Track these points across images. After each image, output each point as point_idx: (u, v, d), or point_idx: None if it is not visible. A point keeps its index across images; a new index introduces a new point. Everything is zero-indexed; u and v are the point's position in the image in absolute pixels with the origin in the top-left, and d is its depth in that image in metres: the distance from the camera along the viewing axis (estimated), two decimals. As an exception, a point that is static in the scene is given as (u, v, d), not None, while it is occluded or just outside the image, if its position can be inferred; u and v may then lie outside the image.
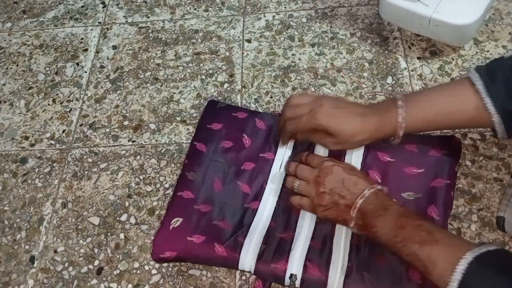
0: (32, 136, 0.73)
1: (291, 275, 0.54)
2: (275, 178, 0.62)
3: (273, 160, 0.64)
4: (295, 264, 0.54)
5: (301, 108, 0.57)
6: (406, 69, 0.72)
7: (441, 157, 0.60)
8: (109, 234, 0.63)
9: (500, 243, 0.57)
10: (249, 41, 0.79)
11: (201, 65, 0.77)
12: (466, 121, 0.53)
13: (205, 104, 0.71)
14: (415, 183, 0.58)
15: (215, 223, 0.59)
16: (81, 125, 0.73)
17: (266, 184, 0.62)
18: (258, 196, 0.61)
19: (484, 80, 0.50)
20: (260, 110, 0.71)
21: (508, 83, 0.49)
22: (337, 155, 0.61)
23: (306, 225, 0.58)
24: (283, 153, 0.64)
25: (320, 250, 0.55)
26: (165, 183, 0.66)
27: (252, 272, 0.55)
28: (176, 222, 0.59)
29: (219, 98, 0.73)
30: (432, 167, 0.59)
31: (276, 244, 0.56)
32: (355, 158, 0.61)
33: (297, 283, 0.54)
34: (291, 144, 0.64)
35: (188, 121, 0.71)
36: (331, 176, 0.54)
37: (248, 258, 0.55)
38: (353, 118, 0.55)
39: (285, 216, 0.59)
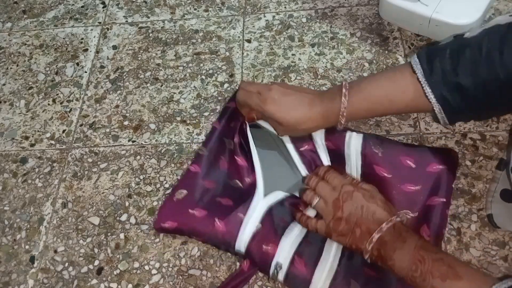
0: (32, 136, 0.73)
1: (277, 263, 0.54)
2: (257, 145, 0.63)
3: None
4: (283, 253, 0.55)
5: (253, 85, 0.59)
6: (406, 69, 0.72)
7: (438, 174, 0.58)
8: (109, 234, 0.63)
9: (500, 243, 0.57)
10: (249, 41, 0.79)
11: (201, 65, 0.77)
12: (407, 107, 0.54)
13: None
14: (411, 200, 0.57)
15: (218, 200, 0.59)
16: (81, 125, 0.73)
17: (251, 154, 0.62)
18: (252, 167, 0.62)
19: (424, 68, 0.50)
20: (260, 110, 0.71)
21: (446, 74, 0.49)
22: (339, 164, 0.61)
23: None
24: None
25: (310, 248, 0.55)
26: (165, 183, 0.66)
27: (244, 251, 0.56)
28: (180, 194, 0.60)
29: (219, 98, 0.73)
30: (428, 185, 0.58)
31: (272, 226, 0.57)
32: (354, 171, 0.60)
33: (281, 275, 0.54)
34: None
35: (188, 121, 0.71)
36: (350, 202, 0.52)
37: (244, 236, 0.56)
38: (300, 107, 0.55)
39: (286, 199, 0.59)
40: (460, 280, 0.43)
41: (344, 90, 0.54)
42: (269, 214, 0.58)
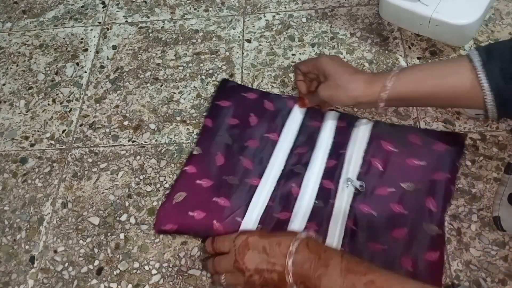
0: (32, 136, 0.73)
1: None
2: (277, 158, 0.63)
3: (277, 141, 0.64)
4: None
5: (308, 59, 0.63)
6: (406, 69, 0.72)
7: (444, 152, 0.60)
8: (109, 234, 0.63)
9: (500, 243, 0.57)
10: (249, 41, 0.79)
11: (201, 65, 0.77)
12: (458, 97, 0.52)
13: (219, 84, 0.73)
14: (416, 174, 0.59)
15: (215, 200, 0.60)
16: (81, 125, 0.73)
17: (268, 163, 0.63)
18: (259, 173, 0.62)
19: (482, 57, 0.50)
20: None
21: (503, 62, 0.48)
22: (342, 144, 0.62)
23: (304, 206, 0.58)
24: (288, 135, 0.65)
25: (315, 232, 0.56)
26: (165, 183, 0.66)
27: None
28: (180, 196, 0.60)
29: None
30: (434, 161, 0.59)
31: (273, 225, 0.57)
32: (358, 145, 0.62)
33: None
34: (296, 127, 0.65)
35: (188, 121, 0.71)
36: (249, 252, 0.48)
37: None
38: (348, 67, 0.58)
39: (284, 196, 0.60)
40: None
41: (395, 69, 0.55)
42: (267, 214, 0.58)
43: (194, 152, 0.65)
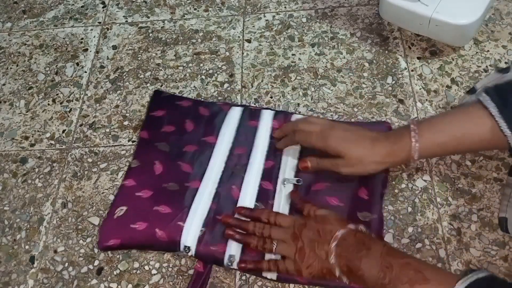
0: (32, 136, 0.73)
1: (230, 256, 0.56)
2: (217, 160, 0.63)
3: (215, 143, 0.65)
4: (234, 245, 0.56)
5: (313, 125, 0.58)
6: (406, 69, 0.72)
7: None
8: (109, 234, 0.63)
9: (500, 243, 0.57)
10: (249, 41, 0.79)
11: (201, 65, 0.77)
12: (481, 144, 0.52)
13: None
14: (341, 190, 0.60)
15: (155, 209, 0.60)
16: (81, 125, 0.73)
17: (208, 165, 0.63)
18: (199, 176, 0.62)
19: (496, 102, 0.49)
20: (260, 110, 0.71)
21: None
22: (270, 173, 0.62)
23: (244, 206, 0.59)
24: (225, 136, 0.65)
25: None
26: (165, 183, 0.66)
27: (193, 254, 0.57)
28: (121, 211, 0.60)
29: (219, 98, 0.73)
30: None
31: (217, 227, 0.58)
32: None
33: (235, 264, 0.56)
34: (233, 128, 0.66)
35: (188, 121, 0.71)
36: (306, 230, 0.53)
37: (188, 241, 0.57)
38: (364, 141, 0.55)
39: (225, 199, 0.60)
40: (428, 283, 0.44)
41: (412, 126, 0.53)
42: (210, 217, 0.59)
43: (132, 166, 0.65)
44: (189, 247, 0.57)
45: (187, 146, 0.65)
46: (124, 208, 0.61)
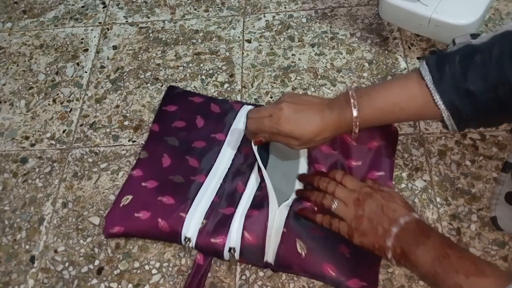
0: (33, 136, 0.73)
1: (230, 248, 0.56)
2: (224, 157, 0.64)
3: (224, 140, 0.65)
4: (233, 238, 0.56)
5: (263, 110, 0.58)
6: (406, 69, 0.72)
7: (377, 149, 0.62)
8: (109, 234, 0.63)
9: (500, 243, 0.57)
10: (249, 41, 0.79)
11: (201, 65, 0.77)
12: (417, 114, 0.54)
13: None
14: (354, 175, 0.60)
15: (159, 199, 0.60)
16: (81, 125, 0.73)
17: (215, 161, 0.63)
18: (205, 171, 0.63)
19: (433, 74, 0.50)
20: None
21: (455, 79, 0.48)
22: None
23: (245, 198, 0.60)
24: (235, 133, 0.66)
25: (256, 217, 0.57)
26: (165, 183, 0.66)
27: (193, 246, 0.57)
28: (126, 199, 0.61)
29: (219, 98, 0.73)
30: (368, 159, 0.62)
31: (218, 219, 0.58)
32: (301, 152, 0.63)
33: (236, 255, 0.56)
34: (243, 126, 0.65)
35: (188, 121, 0.71)
36: (370, 200, 0.53)
37: (189, 232, 0.57)
38: (313, 121, 0.55)
39: (230, 193, 0.61)
40: (485, 278, 0.43)
41: (352, 100, 0.54)
42: (212, 210, 0.59)
43: (141, 156, 0.65)
44: (189, 238, 0.57)
45: (196, 142, 0.65)
46: (130, 197, 0.61)
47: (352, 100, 0.54)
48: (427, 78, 0.50)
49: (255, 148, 0.60)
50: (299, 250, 0.55)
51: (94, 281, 0.59)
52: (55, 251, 0.62)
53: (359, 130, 0.55)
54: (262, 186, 0.60)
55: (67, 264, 0.61)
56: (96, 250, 0.62)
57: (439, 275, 0.45)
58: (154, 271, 0.59)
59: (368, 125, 0.55)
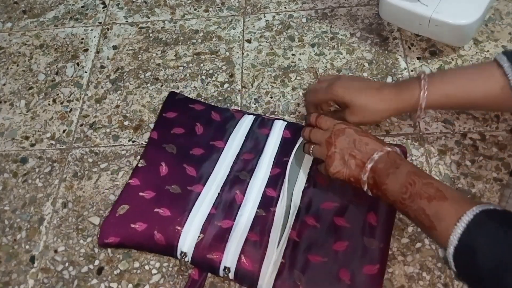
0: (33, 136, 0.73)
1: (225, 267, 0.55)
2: (223, 164, 0.63)
3: (223, 148, 0.65)
4: (230, 257, 0.55)
5: (322, 83, 0.61)
6: (406, 69, 0.72)
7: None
8: (109, 234, 0.63)
9: (500, 243, 0.57)
10: (249, 41, 0.79)
11: (201, 65, 0.77)
12: (489, 101, 0.53)
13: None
14: (358, 190, 0.57)
15: (156, 211, 0.60)
16: (81, 125, 0.73)
17: (213, 169, 0.63)
18: (203, 180, 0.62)
19: (511, 62, 0.50)
20: (260, 110, 0.71)
21: None
22: (287, 152, 0.62)
23: (246, 214, 0.59)
24: (234, 140, 0.65)
25: (256, 242, 0.56)
26: (165, 183, 0.66)
27: (189, 261, 0.57)
28: (122, 209, 0.60)
29: (219, 98, 0.73)
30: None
31: (214, 233, 0.57)
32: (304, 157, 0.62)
33: (231, 275, 0.55)
34: (243, 133, 0.66)
35: (188, 121, 0.71)
36: (342, 137, 0.54)
37: (185, 246, 0.57)
38: (369, 90, 0.57)
39: (227, 204, 0.60)
40: (445, 201, 0.45)
41: (422, 75, 0.55)
42: (209, 223, 0.58)
43: (139, 165, 0.65)
44: (185, 253, 0.56)
45: (194, 149, 0.65)
46: (127, 206, 0.61)
47: (422, 76, 0.54)
48: (506, 64, 0.50)
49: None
50: (297, 282, 0.53)
51: (94, 281, 0.59)
52: (55, 251, 0.62)
53: (425, 111, 0.55)
54: (270, 209, 0.59)
55: (67, 264, 0.61)
56: (96, 250, 0.62)
57: (405, 200, 0.48)
58: (154, 271, 0.59)
59: (434, 107, 0.56)
